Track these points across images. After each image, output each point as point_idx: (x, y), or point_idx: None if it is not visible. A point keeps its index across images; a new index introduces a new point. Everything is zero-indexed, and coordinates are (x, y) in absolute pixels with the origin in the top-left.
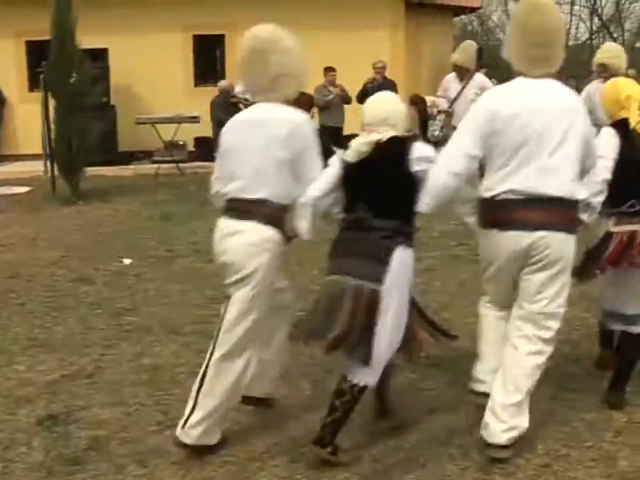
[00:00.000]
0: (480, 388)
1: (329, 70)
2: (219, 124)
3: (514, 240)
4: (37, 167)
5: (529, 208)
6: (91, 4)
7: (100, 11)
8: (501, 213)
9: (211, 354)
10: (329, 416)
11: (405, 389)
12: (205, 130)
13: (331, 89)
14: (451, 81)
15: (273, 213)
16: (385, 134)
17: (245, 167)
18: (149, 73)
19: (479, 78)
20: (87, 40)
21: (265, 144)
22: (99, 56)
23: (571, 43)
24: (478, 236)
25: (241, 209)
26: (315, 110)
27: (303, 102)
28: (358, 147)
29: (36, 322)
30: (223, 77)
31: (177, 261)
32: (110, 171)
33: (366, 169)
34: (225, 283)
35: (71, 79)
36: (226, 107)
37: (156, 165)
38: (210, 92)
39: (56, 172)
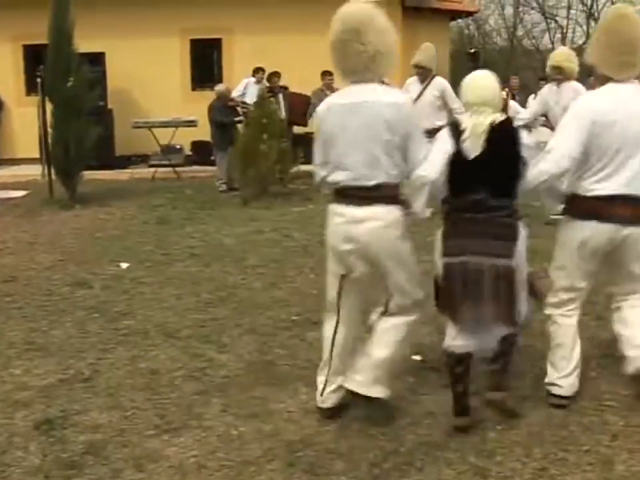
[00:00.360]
0: (558, 392)
1: (326, 74)
2: (218, 126)
3: (612, 230)
4: (34, 171)
5: (624, 205)
6: (89, 8)
7: (97, 15)
8: (601, 207)
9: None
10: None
11: (403, 393)
12: (202, 134)
13: (328, 93)
14: (412, 83)
15: (394, 193)
16: (493, 116)
17: (354, 155)
18: (146, 76)
19: (438, 81)
20: (84, 44)
21: (370, 128)
22: (96, 60)
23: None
24: (560, 226)
25: (359, 195)
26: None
27: (299, 103)
28: (476, 128)
29: (32, 326)
30: (220, 80)
31: (174, 265)
32: (107, 174)
33: (486, 150)
34: (344, 272)
35: (68, 83)
36: (225, 110)
37: (153, 169)
38: (207, 96)
39: (53, 176)
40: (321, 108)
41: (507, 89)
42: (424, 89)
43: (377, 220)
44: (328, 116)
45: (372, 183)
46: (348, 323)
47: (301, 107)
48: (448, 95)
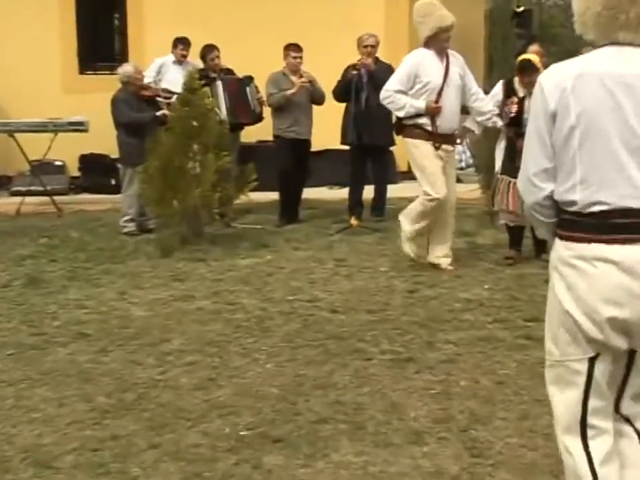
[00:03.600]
0: None
1: (291, 49)
2: (127, 129)
3: None
4: None
5: None
6: None
7: None
8: None
9: None
10: None
11: None
12: (96, 143)
13: (293, 78)
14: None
15: None
16: None
17: (635, 156)
18: (8, 57)
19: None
20: None
21: None
22: None
23: None
24: None
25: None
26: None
27: (234, 92)
28: None
29: None
30: (124, 58)
31: (52, 351)
32: None
33: None
34: (594, 354)
35: None
36: (136, 104)
37: (18, 199)
38: (104, 82)
39: None
40: (558, 79)
41: None
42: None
43: None
44: (578, 92)
45: None
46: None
47: (239, 100)
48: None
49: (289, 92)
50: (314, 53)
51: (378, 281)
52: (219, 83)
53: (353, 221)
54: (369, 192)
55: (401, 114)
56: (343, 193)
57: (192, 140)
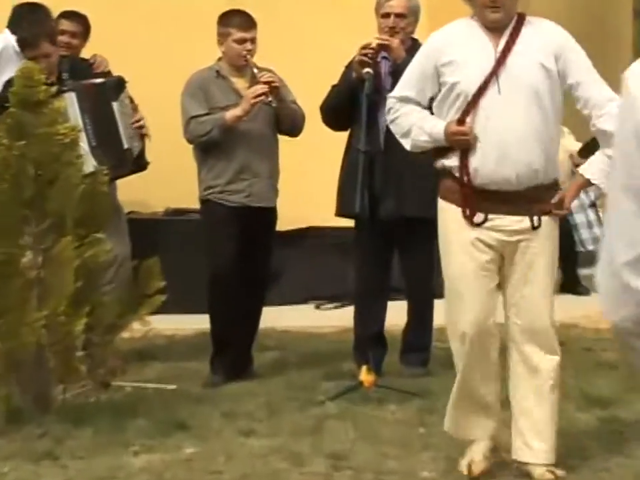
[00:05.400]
0: None
1: (232, 23)
2: None
3: None
4: None
5: None
6: None
7: None
8: None
9: None
10: None
11: None
12: None
13: (237, 83)
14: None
15: None
16: None
17: None
18: None
19: None
20: None
21: None
22: None
23: None
24: None
25: None
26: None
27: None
28: None
29: None
30: None
31: None
32: None
33: None
34: None
35: None
36: None
37: None
38: None
39: None
40: None
41: None
42: None
43: None
44: None
45: None
46: None
47: (102, 126)
48: None
49: (230, 113)
50: (285, 40)
51: None
52: (72, 96)
53: (364, 376)
54: (396, 313)
55: (407, 145)
56: (344, 316)
57: (30, 208)
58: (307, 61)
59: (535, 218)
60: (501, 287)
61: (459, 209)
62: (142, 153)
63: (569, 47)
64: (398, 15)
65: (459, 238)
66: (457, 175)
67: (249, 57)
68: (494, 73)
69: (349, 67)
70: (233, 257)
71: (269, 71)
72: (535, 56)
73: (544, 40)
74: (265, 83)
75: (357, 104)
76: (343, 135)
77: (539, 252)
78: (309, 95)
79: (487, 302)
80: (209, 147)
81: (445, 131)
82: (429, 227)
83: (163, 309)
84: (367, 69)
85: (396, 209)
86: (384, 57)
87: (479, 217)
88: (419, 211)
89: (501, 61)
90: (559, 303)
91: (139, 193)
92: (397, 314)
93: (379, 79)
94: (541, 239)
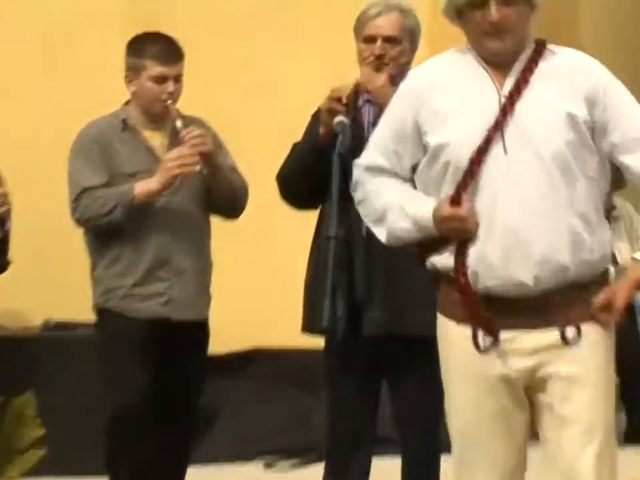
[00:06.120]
0: None
1: (147, 53)
2: None
3: None
4: None
5: None
6: None
7: None
8: None
9: None
10: None
11: None
12: None
13: (151, 139)
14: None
15: None
16: None
17: None
18: None
19: None
20: None
21: None
22: None
23: None
24: None
25: None
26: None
27: None
28: None
29: None
30: None
31: None
32: None
33: None
34: None
35: None
36: None
37: None
38: None
39: None
40: None
41: None
42: None
43: None
44: None
45: None
46: None
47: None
48: None
49: (142, 186)
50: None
51: None
52: None
53: None
54: (385, 474)
55: (382, 236)
56: (307, 479)
57: None
58: (258, 104)
59: (569, 329)
60: (534, 433)
61: (461, 327)
62: (3, 244)
63: (611, 89)
64: (387, 39)
65: (463, 370)
66: (454, 277)
67: (170, 102)
68: (498, 127)
69: (315, 117)
70: (143, 392)
71: (200, 122)
72: (558, 101)
73: (571, 78)
74: (192, 145)
75: (327, 169)
76: (312, 216)
77: (577, 379)
78: (265, 156)
79: (512, 458)
80: (110, 232)
81: (435, 215)
82: (433, 347)
83: (40, 469)
84: (339, 118)
85: (385, 323)
86: (367, 100)
87: (486, 339)
88: (419, 328)
89: (507, 110)
90: (623, 458)
91: (5, 300)
92: (386, 475)
93: (360, 131)
94: (580, 359)
